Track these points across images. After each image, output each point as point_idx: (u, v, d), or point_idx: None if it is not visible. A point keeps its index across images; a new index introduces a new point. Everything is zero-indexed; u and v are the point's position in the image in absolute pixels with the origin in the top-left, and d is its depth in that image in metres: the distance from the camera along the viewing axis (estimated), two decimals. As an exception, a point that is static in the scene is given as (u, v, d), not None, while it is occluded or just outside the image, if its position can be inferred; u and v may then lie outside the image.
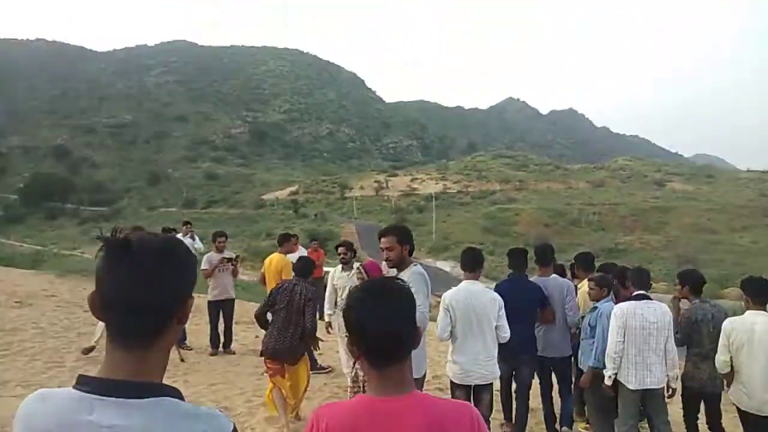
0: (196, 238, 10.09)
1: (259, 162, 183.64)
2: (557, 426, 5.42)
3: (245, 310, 11.58)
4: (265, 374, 5.98)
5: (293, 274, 5.77)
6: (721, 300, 19.24)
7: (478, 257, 4.75)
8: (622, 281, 5.33)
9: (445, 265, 46.27)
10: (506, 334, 4.48)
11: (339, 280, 6.73)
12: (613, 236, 63.34)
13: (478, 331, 4.43)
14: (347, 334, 1.51)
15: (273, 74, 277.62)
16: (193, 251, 1.23)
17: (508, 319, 4.52)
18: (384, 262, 4.24)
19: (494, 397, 4.87)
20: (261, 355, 5.52)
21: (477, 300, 4.45)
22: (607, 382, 4.44)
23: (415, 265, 4.12)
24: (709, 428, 4.92)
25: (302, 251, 9.11)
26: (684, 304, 5.12)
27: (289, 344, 5.23)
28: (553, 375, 5.63)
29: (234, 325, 8.91)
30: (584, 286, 5.49)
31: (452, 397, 4.56)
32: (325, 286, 7.22)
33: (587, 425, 5.50)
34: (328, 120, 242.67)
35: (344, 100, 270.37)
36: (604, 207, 77.65)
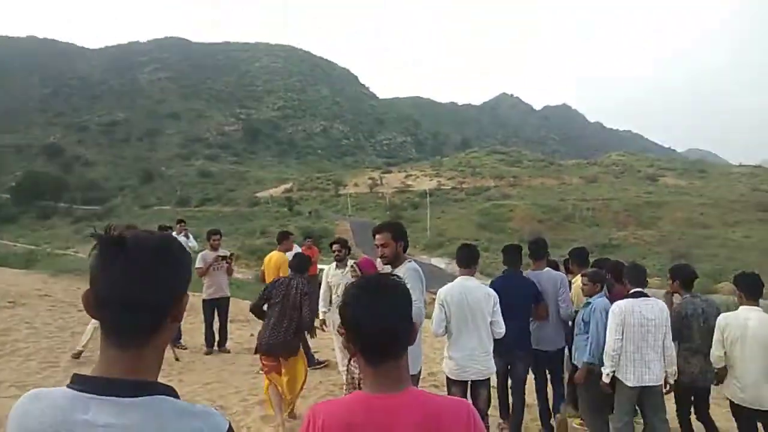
0: (190, 236, 10.07)
1: (252, 159, 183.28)
2: (552, 422, 5.45)
3: (240, 308, 11.56)
4: (260, 372, 5.98)
5: (289, 270, 5.80)
6: (714, 295, 19.34)
7: (473, 253, 4.77)
8: (615, 276, 5.36)
9: (440, 262, 46.29)
10: (501, 329, 4.49)
11: (333, 277, 6.73)
12: (607, 231, 63.50)
13: (473, 326, 4.44)
14: (342, 329, 1.50)
15: (266, 71, 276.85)
16: (187, 249, 1.23)
17: (503, 314, 4.53)
18: (379, 259, 4.24)
19: (491, 393, 4.88)
20: (255, 352, 5.52)
21: (472, 296, 4.46)
22: (605, 379, 4.46)
23: (409, 261, 4.12)
24: (697, 419, 4.97)
25: (296, 249, 9.10)
26: (677, 299, 5.15)
27: (284, 338, 5.24)
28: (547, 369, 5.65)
29: (229, 324, 8.90)
30: (577, 281, 5.51)
31: (448, 393, 4.57)
32: (320, 284, 7.22)
33: (582, 421, 5.52)
34: (321, 117, 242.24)
35: (338, 97, 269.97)
36: (598, 202, 77.91)
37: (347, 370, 4.30)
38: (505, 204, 78.65)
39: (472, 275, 4.68)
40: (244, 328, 10.11)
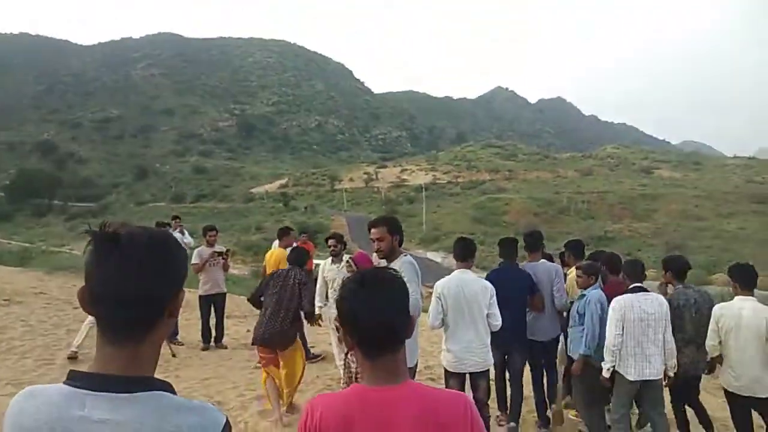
0: (186, 232, 10.03)
1: (247, 155, 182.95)
2: (548, 413, 5.47)
3: (236, 304, 11.56)
4: (257, 367, 5.98)
5: (288, 263, 5.83)
6: (708, 286, 19.43)
7: (470, 247, 4.79)
8: (610, 267, 5.39)
9: (436, 256, 46.32)
10: (497, 322, 4.51)
11: (329, 272, 6.73)
12: (602, 224, 63.60)
13: (470, 319, 4.46)
14: (338, 323, 1.56)
15: (260, 66, 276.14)
16: (182, 245, 1.21)
17: (499, 306, 4.55)
18: (374, 254, 4.24)
19: (490, 385, 4.90)
20: (253, 344, 5.53)
21: (468, 288, 4.48)
22: (605, 374, 4.48)
23: (405, 255, 4.12)
24: (689, 405, 5.02)
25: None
26: (671, 290, 5.18)
27: (280, 329, 5.25)
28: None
29: (225, 320, 8.89)
30: (572, 272, 5.54)
31: (446, 385, 4.61)
32: (316, 279, 7.22)
33: (578, 412, 5.55)
34: (316, 112, 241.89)
35: (332, 92, 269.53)
36: (593, 195, 78.01)
37: (344, 364, 4.31)
38: (500, 197, 78.71)
39: (469, 268, 4.69)
40: (241, 324, 10.11)
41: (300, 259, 5.75)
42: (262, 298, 5.51)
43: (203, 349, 8.25)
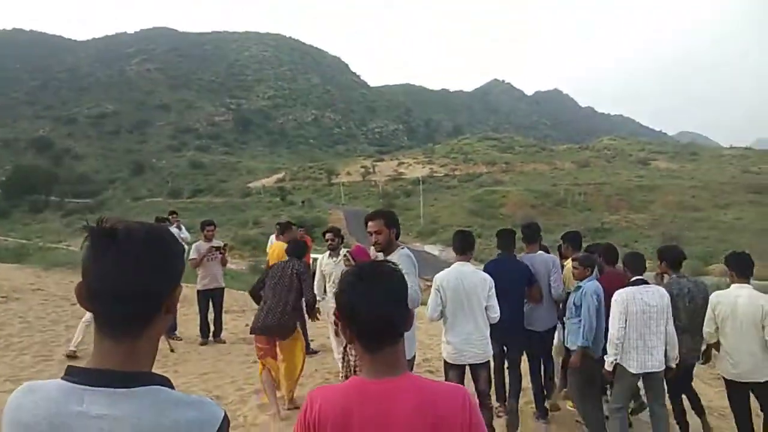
0: (183, 227, 10.01)
1: (244, 150, 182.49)
2: (546, 404, 5.50)
3: (234, 298, 11.57)
4: (256, 362, 5.99)
5: (287, 255, 5.88)
6: (705, 276, 19.48)
7: (469, 239, 4.81)
8: (606, 258, 5.41)
9: (434, 249, 46.40)
10: (495, 314, 4.53)
11: (326, 266, 6.74)
12: (599, 216, 63.68)
13: (469, 311, 4.48)
14: (336, 317, 1.43)
15: (255, 60, 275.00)
16: (179, 241, 1.20)
17: (497, 298, 4.58)
18: (372, 247, 4.24)
19: (490, 376, 4.92)
20: (251, 333, 5.55)
21: (468, 281, 4.50)
22: (608, 367, 4.50)
23: (402, 248, 4.13)
24: (682, 392, 5.06)
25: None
26: (667, 280, 5.21)
27: (279, 319, 5.29)
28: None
29: (224, 314, 8.90)
30: (569, 264, 5.56)
31: (446, 377, 4.65)
32: (313, 273, 7.22)
33: (574, 403, 5.58)
34: (312, 106, 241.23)
35: (329, 85, 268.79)
36: (590, 187, 78.04)
37: (343, 357, 4.32)
38: (497, 190, 78.72)
39: (468, 261, 4.72)
40: (239, 319, 10.11)
41: (298, 250, 5.82)
42: (262, 292, 5.54)
43: (202, 344, 8.26)
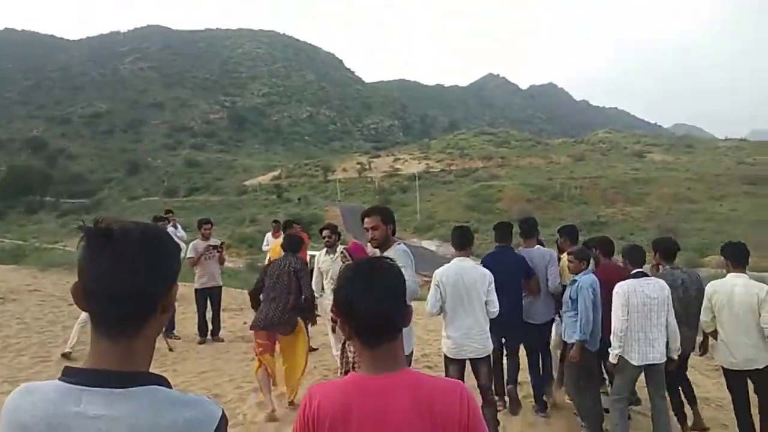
0: (179, 226, 9.99)
1: (239, 147, 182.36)
2: (545, 398, 5.52)
3: (232, 297, 11.57)
4: (254, 359, 5.99)
5: (283, 251, 5.89)
6: (701, 268, 19.55)
7: (468, 235, 4.84)
8: (602, 251, 5.43)
9: (431, 245, 46.43)
10: (495, 309, 4.55)
11: (323, 263, 6.72)
12: (595, 209, 63.83)
13: (469, 306, 4.50)
14: (334, 313, 1.56)
15: (249, 57, 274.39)
16: (176, 240, 1.14)
17: (496, 292, 4.60)
18: (368, 243, 4.24)
19: (491, 371, 4.95)
20: (252, 328, 5.57)
21: (467, 276, 4.51)
22: (613, 360, 4.52)
23: (398, 243, 4.13)
24: (678, 383, 5.09)
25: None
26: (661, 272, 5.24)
27: (281, 315, 5.34)
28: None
29: (222, 313, 8.89)
30: (565, 257, 5.59)
31: (446, 371, 4.66)
32: (311, 271, 7.22)
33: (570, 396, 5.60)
34: (307, 102, 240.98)
35: (323, 82, 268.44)
36: (586, 180, 78.16)
37: (342, 353, 4.32)
38: (493, 185, 78.78)
39: (468, 256, 4.74)
40: (237, 317, 10.11)
41: (294, 245, 5.85)
42: (262, 295, 5.59)
43: (200, 343, 8.25)
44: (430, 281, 4.65)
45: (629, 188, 73.30)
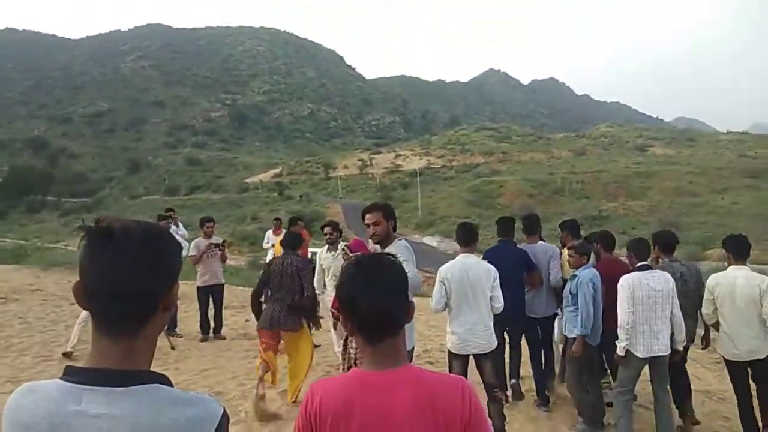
0: (180, 224, 9.98)
1: (240, 145, 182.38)
2: (547, 392, 5.53)
3: (234, 295, 11.58)
4: (256, 356, 6.00)
5: (282, 248, 5.91)
6: (703, 262, 19.53)
7: (472, 231, 4.85)
8: (603, 245, 5.44)
9: (432, 241, 46.43)
10: (500, 304, 4.58)
11: (325, 260, 6.73)
12: (597, 203, 63.74)
13: (474, 302, 4.51)
14: (336, 310, 1.57)
15: (250, 55, 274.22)
16: (177, 238, 1.19)
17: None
18: (370, 239, 4.24)
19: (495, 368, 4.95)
20: (257, 328, 5.58)
21: (472, 272, 4.53)
22: (620, 352, 4.52)
23: (399, 239, 4.13)
24: (676, 373, 5.09)
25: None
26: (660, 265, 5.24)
27: (286, 314, 5.38)
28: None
29: (224, 311, 8.90)
30: (565, 251, 5.60)
31: (449, 366, 4.68)
32: (313, 268, 7.22)
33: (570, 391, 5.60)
34: (308, 99, 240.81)
35: (324, 79, 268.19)
36: (587, 175, 78.03)
37: (344, 350, 4.32)
38: (494, 180, 78.73)
39: (472, 253, 4.75)
40: (239, 315, 10.12)
41: (294, 242, 5.85)
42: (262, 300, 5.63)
43: (202, 341, 8.25)
44: (432, 277, 4.66)
45: (631, 182, 73.16)
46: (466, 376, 4.43)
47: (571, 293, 4.89)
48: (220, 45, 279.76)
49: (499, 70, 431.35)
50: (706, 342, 5.16)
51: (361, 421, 1.42)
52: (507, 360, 5.62)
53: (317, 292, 6.74)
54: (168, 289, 1.13)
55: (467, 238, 4.76)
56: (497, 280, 4.58)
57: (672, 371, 4.82)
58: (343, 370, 4.45)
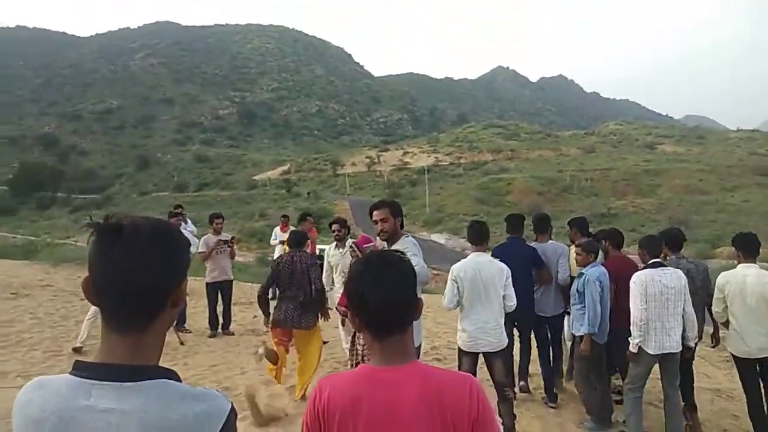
0: (189, 221, 10.01)
1: (249, 142, 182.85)
2: (555, 390, 5.53)
3: (243, 291, 11.62)
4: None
5: (287, 246, 5.99)
6: (713, 260, 19.42)
7: (484, 230, 4.83)
8: (612, 243, 5.42)
9: (440, 238, 46.38)
10: (512, 303, 4.58)
11: (333, 257, 6.74)
12: (606, 201, 63.49)
13: (486, 300, 4.52)
14: (344, 306, 1.57)
15: (259, 52, 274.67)
16: (186, 234, 1.16)
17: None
18: (378, 236, 4.24)
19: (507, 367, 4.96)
20: (273, 326, 5.61)
21: (485, 271, 4.54)
22: (633, 349, 4.51)
23: (406, 236, 4.14)
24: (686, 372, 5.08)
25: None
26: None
27: (301, 312, 5.45)
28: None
29: (232, 307, 8.93)
30: (573, 249, 5.60)
31: (459, 364, 4.69)
32: (321, 264, 7.23)
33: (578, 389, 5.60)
34: (316, 97, 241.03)
35: (332, 76, 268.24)
36: (596, 172, 77.81)
37: (352, 346, 4.33)
38: (503, 177, 78.60)
39: (484, 251, 4.76)
40: (247, 311, 10.16)
41: (299, 240, 5.90)
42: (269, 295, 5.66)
43: (211, 336, 8.28)
44: (440, 274, 4.67)
45: (640, 180, 72.85)
46: (475, 374, 4.43)
47: (578, 291, 4.89)
48: (229, 43, 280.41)
49: (507, 68, 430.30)
50: (715, 340, 5.13)
51: (368, 416, 1.42)
52: (515, 358, 5.63)
53: (326, 288, 6.78)
54: (177, 284, 1.14)
55: (479, 236, 4.75)
56: (510, 279, 4.58)
57: (681, 369, 4.81)
58: (351, 366, 4.46)
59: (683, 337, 4.53)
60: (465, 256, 4.78)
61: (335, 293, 6.56)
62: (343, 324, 6.24)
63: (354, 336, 4.20)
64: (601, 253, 5.28)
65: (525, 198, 63.81)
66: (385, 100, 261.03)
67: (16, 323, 8.34)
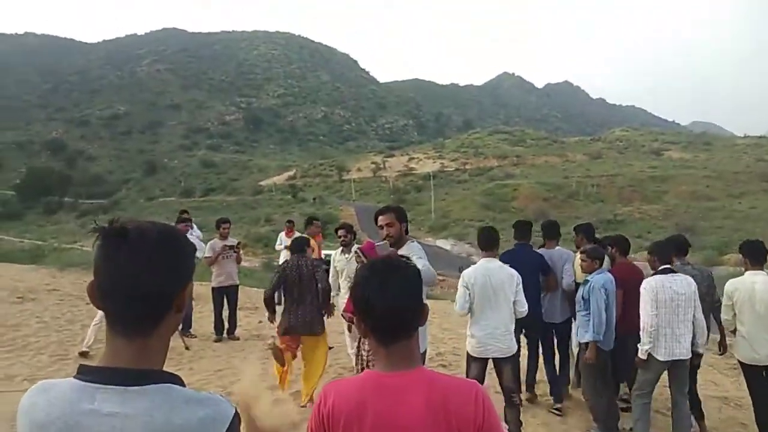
0: (194, 226, 10.03)
1: (255, 148, 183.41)
2: (561, 397, 5.51)
3: (248, 296, 11.63)
4: (269, 358, 6.03)
5: (290, 253, 5.99)
6: (720, 267, 19.31)
7: (494, 236, 4.86)
8: (619, 249, 5.41)
9: (446, 244, 46.31)
10: (523, 308, 4.58)
11: (339, 262, 6.75)
12: (612, 207, 63.36)
13: (496, 306, 4.52)
14: (350, 312, 1.57)
15: (265, 58, 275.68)
16: (193, 239, 1.20)
17: None
18: (383, 241, 4.25)
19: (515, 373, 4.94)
20: (283, 333, 5.61)
21: (495, 277, 4.54)
22: (642, 356, 4.49)
23: (412, 241, 4.14)
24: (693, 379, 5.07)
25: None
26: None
27: (310, 317, 5.49)
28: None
29: (238, 311, 8.94)
30: (577, 256, 5.59)
31: (467, 370, 4.68)
32: (327, 269, 7.23)
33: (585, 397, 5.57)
34: (322, 103, 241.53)
35: (338, 82, 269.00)
36: (602, 179, 77.62)
37: (357, 352, 4.32)
38: (508, 184, 78.49)
39: (494, 257, 4.76)
40: (253, 316, 10.17)
41: (300, 245, 5.93)
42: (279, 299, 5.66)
43: (216, 341, 8.29)
44: (446, 280, 4.67)
45: (646, 186, 72.66)
46: (483, 380, 4.44)
47: (583, 298, 4.87)
48: (235, 49, 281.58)
49: (513, 74, 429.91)
50: (723, 348, 5.11)
51: (373, 422, 1.42)
52: (522, 365, 5.61)
53: (332, 294, 6.78)
54: (182, 289, 1.14)
55: (489, 242, 4.77)
56: (520, 285, 4.59)
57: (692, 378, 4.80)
58: (357, 371, 4.45)
59: (693, 344, 4.51)
60: (471, 262, 4.79)
61: (341, 298, 6.56)
62: (349, 330, 6.24)
63: (359, 341, 4.20)
64: (607, 259, 5.26)
65: (531, 204, 63.67)
66: (390, 106, 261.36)
67: (22, 327, 8.36)
